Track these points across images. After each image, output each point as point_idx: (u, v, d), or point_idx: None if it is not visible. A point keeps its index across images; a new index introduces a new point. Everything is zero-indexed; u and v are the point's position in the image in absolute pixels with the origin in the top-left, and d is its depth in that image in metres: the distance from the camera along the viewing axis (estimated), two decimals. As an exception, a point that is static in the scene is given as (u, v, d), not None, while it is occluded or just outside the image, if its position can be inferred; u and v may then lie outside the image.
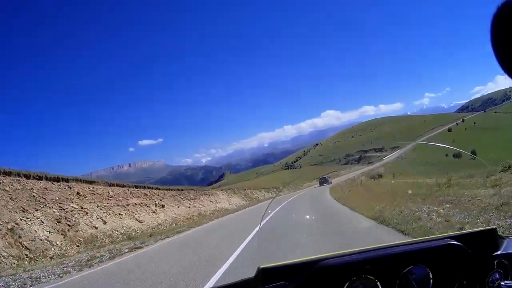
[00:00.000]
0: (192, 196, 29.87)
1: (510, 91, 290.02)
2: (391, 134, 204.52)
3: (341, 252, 1.22)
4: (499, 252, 1.29)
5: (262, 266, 1.16)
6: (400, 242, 1.33)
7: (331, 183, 42.52)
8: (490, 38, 0.52)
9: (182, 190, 30.52)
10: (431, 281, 1.16)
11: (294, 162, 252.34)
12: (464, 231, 1.36)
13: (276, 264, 1.19)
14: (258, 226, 7.67)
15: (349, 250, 1.24)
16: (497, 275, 1.23)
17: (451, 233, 1.34)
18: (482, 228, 1.36)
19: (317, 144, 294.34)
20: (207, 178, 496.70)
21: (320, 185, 43.89)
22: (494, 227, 1.35)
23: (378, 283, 1.12)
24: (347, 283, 1.11)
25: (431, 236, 1.37)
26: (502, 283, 1.22)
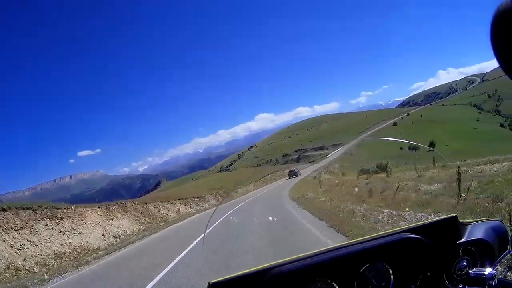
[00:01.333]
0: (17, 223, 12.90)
1: (456, 84, 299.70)
2: (330, 132, 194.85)
3: (294, 257, 1.17)
4: (463, 240, 1.28)
5: (212, 281, 1.09)
6: (355, 240, 1.27)
7: (300, 175, 41.42)
8: (490, 39, 0.51)
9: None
10: (392, 276, 1.14)
11: (229, 165, 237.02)
12: (424, 222, 1.33)
13: (227, 276, 1.12)
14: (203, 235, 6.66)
15: (303, 254, 1.18)
16: (464, 262, 1.21)
17: (409, 226, 1.31)
18: (442, 217, 1.34)
19: (252, 146, 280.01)
20: (145, 187, 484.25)
21: (290, 178, 42.65)
22: (454, 215, 1.32)
23: (335, 285, 1.09)
24: None
25: (387, 231, 1.32)
26: (470, 271, 1.20)
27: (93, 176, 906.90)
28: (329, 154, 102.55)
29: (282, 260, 1.15)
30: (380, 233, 1.29)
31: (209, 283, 1.09)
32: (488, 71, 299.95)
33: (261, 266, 1.12)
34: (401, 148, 67.53)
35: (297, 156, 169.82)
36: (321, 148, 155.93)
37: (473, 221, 1.40)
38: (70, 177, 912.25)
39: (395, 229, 1.30)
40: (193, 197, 31.92)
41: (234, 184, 46.36)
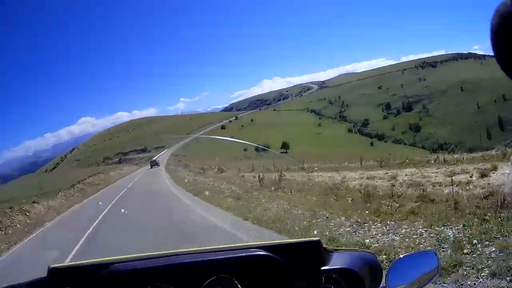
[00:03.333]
0: None
1: (287, 91, 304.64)
2: (152, 133, 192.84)
3: (141, 254, 1.14)
4: (327, 267, 1.18)
5: (52, 266, 1.05)
6: (205, 248, 1.21)
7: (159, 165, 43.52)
8: (490, 39, 0.51)
9: None
10: None
11: (53, 168, 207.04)
12: (283, 241, 1.26)
13: (69, 264, 1.10)
14: None
15: (146, 254, 1.15)
16: None
17: (267, 242, 1.24)
18: (305, 239, 1.24)
19: (73, 149, 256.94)
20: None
21: (151, 167, 44.35)
22: (317, 238, 1.22)
23: None
24: None
25: (242, 244, 1.27)
26: None
27: None
28: (154, 156, 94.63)
29: (126, 256, 1.12)
30: (234, 245, 1.25)
31: (48, 267, 1.05)
32: (320, 80, 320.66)
33: (102, 259, 1.09)
34: (245, 149, 63.55)
35: (118, 159, 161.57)
36: (144, 151, 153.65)
37: (340, 249, 1.35)
38: None
39: (250, 244, 1.26)
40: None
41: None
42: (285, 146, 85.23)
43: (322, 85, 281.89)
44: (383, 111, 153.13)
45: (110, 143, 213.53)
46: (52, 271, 1.03)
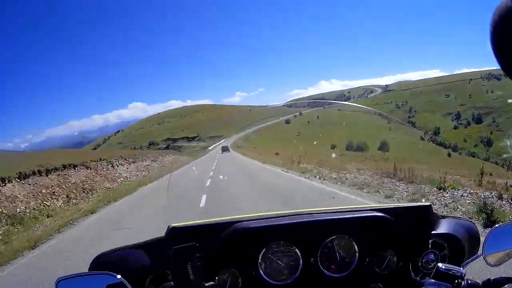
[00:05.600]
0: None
1: (348, 92, 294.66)
2: (207, 122, 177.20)
3: (260, 214, 1.16)
4: (434, 232, 1.22)
5: (172, 225, 1.09)
6: (325, 209, 1.24)
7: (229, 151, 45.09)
8: (490, 39, 0.51)
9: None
10: (357, 254, 1.11)
11: (94, 149, 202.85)
12: (396, 204, 1.28)
13: (188, 223, 1.12)
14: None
15: (269, 213, 1.17)
16: (432, 256, 1.16)
17: (381, 205, 1.27)
18: (416, 204, 1.30)
19: (118, 131, 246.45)
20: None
21: (222, 152, 45.47)
22: (428, 203, 1.27)
23: (297, 250, 1.07)
24: (264, 249, 1.05)
25: (360, 206, 1.30)
26: (440, 265, 1.15)
27: None
28: (210, 146, 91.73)
29: (247, 215, 1.14)
30: (350, 206, 1.27)
31: (168, 226, 1.08)
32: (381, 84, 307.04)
33: (224, 218, 1.12)
34: (333, 147, 51.12)
35: (165, 145, 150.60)
36: (196, 139, 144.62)
37: (446, 216, 1.36)
38: None
39: (366, 206, 1.28)
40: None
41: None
42: (383, 147, 67.85)
43: (386, 88, 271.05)
44: (452, 120, 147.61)
45: (158, 128, 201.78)
46: (172, 230, 1.06)
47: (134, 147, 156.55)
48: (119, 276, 0.87)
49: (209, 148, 78.34)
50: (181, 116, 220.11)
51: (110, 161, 25.09)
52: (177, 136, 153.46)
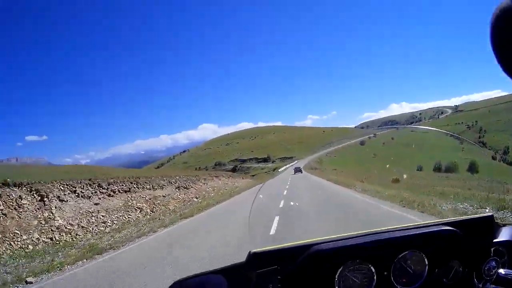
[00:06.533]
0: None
1: (420, 114, 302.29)
2: (278, 143, 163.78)
3: (334, 236, 1.21)
4: (496, 240, 1.29)
5: (253, 251, 1.12)
6: (394, 227, 1.30)
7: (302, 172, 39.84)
8: (490, 38, 0.51)
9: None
10: (427, 267, 1.16)
11: (157, 167, 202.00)
12: (461, 217, 1.38)
13: (267, 248, 1.15)
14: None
15: (343, 235, 1.22)
16: (494, 263, 1.21)
17: (447, 219, 1.34)
18: (479, 215, 1.36)
19: (184, 151, 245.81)
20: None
21: (295, 173, 40.24)
22: (491, 214, 1.35)
23: (372, 268, 1.12)
24: (341, 268, 1.10)
25: (425, 222, 1.37)
26: (501, 271, 1.21)
27: (36, 162, 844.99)
28: (280, 168, 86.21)
29: (322, 238, 1.19)
30: (418, 223, 1.35)
31: (249, 252, 1.11)
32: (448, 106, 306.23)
33: (300, 242, 1.16)
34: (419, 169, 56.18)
35: (232, 166, 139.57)
36: (265, 160, 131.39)
37: (508, 224, 1.41)
38: (16, 160, 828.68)
39: (433, 221, 1.34)
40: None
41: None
42: (472, 168, 62.32)
43: (456, 109, 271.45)
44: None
45: (226, 149, 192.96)
46: (253, 255, 1.10)
47: (199, 167, 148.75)
48: None
49: (280, 170, 71.04)
50: (251, 137, 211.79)
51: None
52: (246, 157, 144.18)
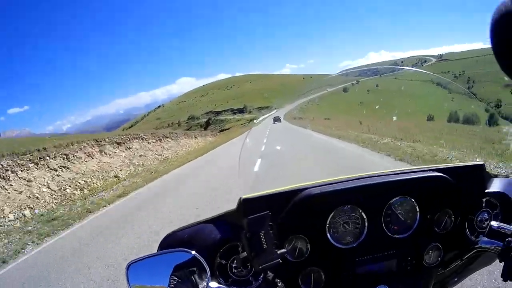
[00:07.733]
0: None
1: (402, 62, 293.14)
2: (256, 91, 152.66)
3: (325, 180, 1.18)
4: (488, 190, 1.25)
5: (244, 197, 1.09)
6: (385, 171, 1.25)
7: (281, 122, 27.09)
8: (490, 38, 0.52)
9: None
10: (418, 214, 1.14)
11: (130, 127, 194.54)
12: (451, 164, 1.30)
13: (258, 193, 1.12)
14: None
15: (333, 179, 1.19)
16: (486, 214, 1.19)
17: (437, 165, 1.28)
18: (470, 163, 1.30)
19: (158, 107, 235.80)
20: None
21: (273, 123, 23.73)
22: (481, 162, 1.28)
23: (363, 213, 1.10)
24: (332, 213, 1.09)
25: (417, 167, 1.30)
26: (493, 223, 1.18)
27: (21, 133, 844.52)
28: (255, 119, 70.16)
29: (312, 182, 1.16)
30: (409, 167, 1.27)
31: (240, 198, 1.09)
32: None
33: (291, 186, 1.13)
34: (430, 118, 30.00)
35: (206, 119, 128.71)
36: (241, 111, 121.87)
37: (499, 174, 1.34)
38: (0, 135, 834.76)
39: (423, 166, 1.28)
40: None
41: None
42: (491, 120, 43.69)
43: (440, 58, 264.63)
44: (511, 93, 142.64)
45: (201, 101, 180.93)
46: (244, 201, 1.07)
47: (172, 123, 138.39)
48: (193, 252, 0.87)
49: (255, 121, 55.24)
50: (227, 87, 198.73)
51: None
52: (221, 109, 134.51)
